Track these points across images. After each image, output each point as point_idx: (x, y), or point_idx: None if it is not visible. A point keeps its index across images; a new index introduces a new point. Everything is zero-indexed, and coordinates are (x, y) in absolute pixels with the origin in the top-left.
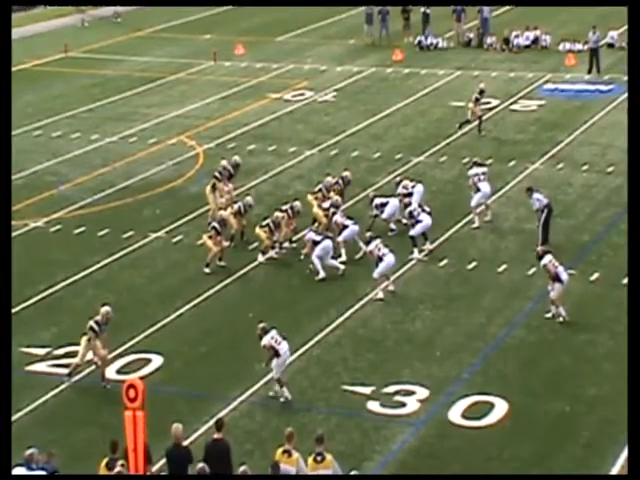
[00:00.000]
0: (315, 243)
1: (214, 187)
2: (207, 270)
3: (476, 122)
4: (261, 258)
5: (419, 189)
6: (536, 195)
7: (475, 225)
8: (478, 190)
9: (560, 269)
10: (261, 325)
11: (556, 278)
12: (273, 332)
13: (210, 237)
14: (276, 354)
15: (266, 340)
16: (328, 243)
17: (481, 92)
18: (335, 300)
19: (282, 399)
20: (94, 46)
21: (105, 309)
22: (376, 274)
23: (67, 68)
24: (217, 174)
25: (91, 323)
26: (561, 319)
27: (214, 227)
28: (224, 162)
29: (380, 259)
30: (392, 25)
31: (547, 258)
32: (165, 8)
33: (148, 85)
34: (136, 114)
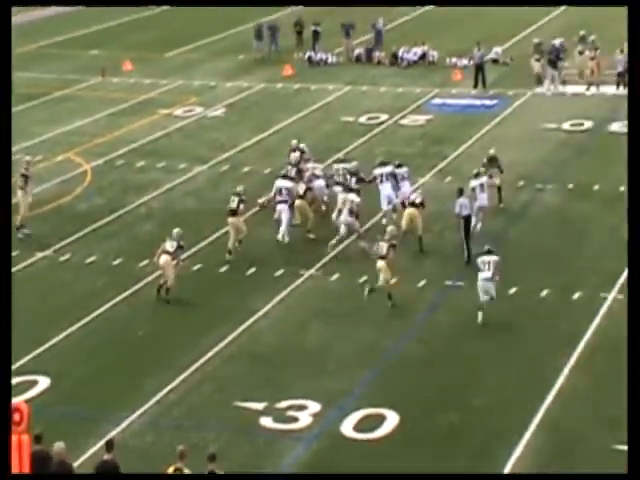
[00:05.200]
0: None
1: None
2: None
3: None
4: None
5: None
6: (461, 200)
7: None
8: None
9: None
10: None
11: None
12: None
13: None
14: None
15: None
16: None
17: (491, 160)
18: (227, 315)
19: None
20: None
21: None
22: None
23: None
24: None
25: None
26: None
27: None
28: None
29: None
30: (281, 41)
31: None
32: (52, 23)
33: (34, 101)
34: (22, 131)
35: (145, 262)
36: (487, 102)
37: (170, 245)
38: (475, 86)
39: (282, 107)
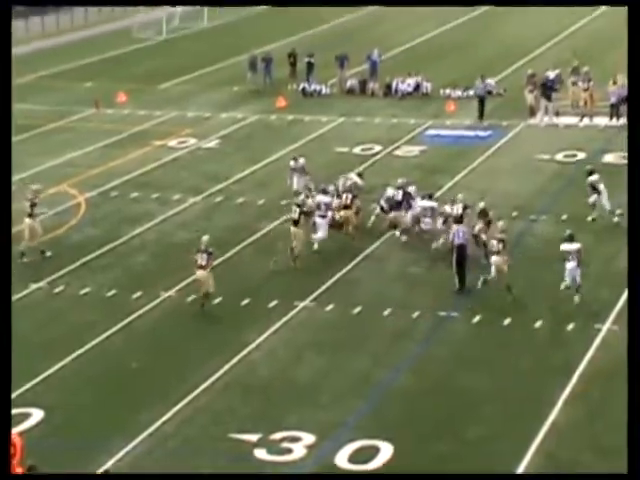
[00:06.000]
0: None
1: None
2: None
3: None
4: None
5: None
6: (455, 228)
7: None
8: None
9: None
10: None
11: None
12: None
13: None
14: None
15: None
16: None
17: (481, 213)
18: (221, 347)
19: None
20: None
21: None
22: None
23: None
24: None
25: None
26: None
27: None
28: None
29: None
30: (275, 72)
31: None
32: (45, 55)
33: (28, 133)
34: (16, 163)
35: (139, 294)
36: (481, 133)
37: (201, 258)
38: (480, 117)
39: (276, 138)
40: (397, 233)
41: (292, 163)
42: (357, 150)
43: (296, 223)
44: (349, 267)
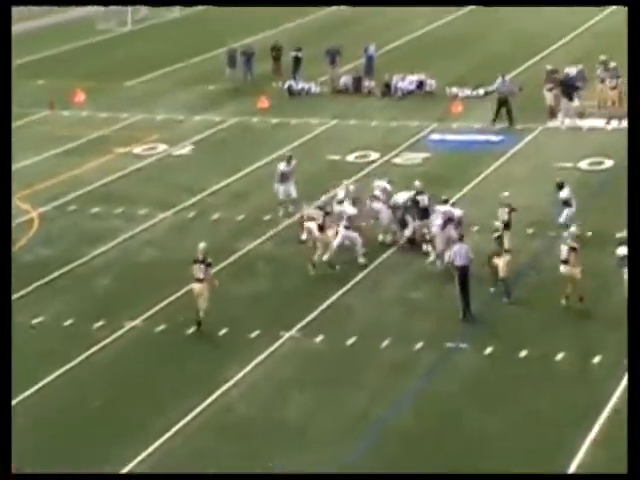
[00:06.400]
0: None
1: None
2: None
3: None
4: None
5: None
6: (456, 247)
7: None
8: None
9: None
10: None
11: None
12: None
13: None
14: None
15: None
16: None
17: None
18: (196, 383)
19: None
20: None
21: None
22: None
23: None
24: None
25: None
26: None
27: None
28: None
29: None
30: (257, 68)
31: None
32: None
33: None
34: None
35: (101, 323)
36: (492, 138)
37: (199, 270)
38: (494, 121)
39: (258, 144)
40: (429, 250)
41: (282, 166)
42: (351, 158)
43: (322, 228)
44: (341, 291)
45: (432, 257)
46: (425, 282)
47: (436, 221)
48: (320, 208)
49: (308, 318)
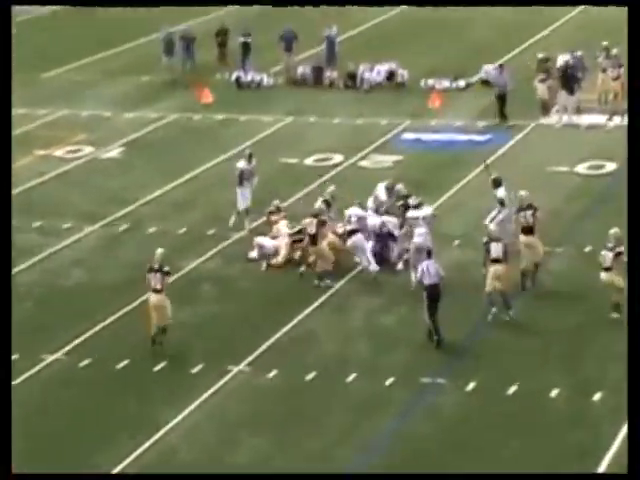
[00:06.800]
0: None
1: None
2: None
3: None
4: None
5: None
6: (425, 263)
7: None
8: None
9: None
10: None
11: None
12: None
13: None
14: None
15: None
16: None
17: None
18: (129, 427)
19: None
20: None
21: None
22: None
23: None
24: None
25: None
26: None
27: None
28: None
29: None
30: (199, 56)
31: None
32: None
33: None
34: None
35: (16, 356)
36: (477, 137)
37: (155, 279)
38: (501, 119)
39: (201, 145)
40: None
41: (242, 164)
42: (310, 161)
43: (314, 240)
44: (300, 317)
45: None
46: (398, 305)
47: (419, 230)
48: (314, 216)
49: (260, 349)
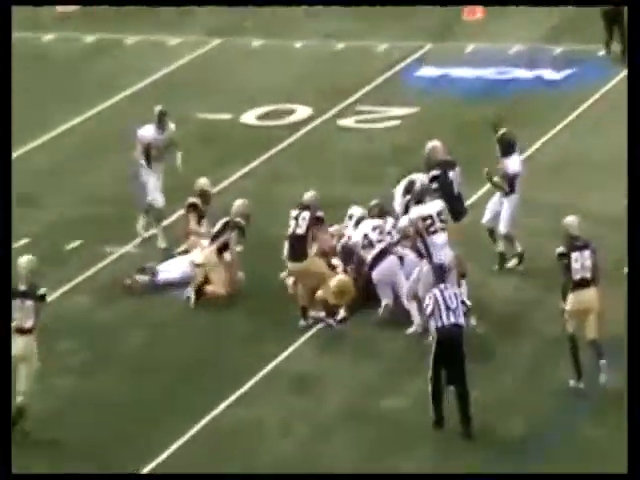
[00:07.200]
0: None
1: None
2: None
3: None
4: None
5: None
6: (435, 291)
7: None
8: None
9: None
10: None
11: None
12: None
13: None
14: None
15: None
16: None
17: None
18: None
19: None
20: None
21: None
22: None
23: None
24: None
25: None
26: None
27: None
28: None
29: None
30: None
31: None
32: None
33: None
34: None
35: None
36: (548, 74)
37: (21, 311)
38: (608, 47)
39: (57, 90)
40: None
41: (152, 131)
42: (250, 117)
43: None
44: (226, 403)
45: (415, 325)
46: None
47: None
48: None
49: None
